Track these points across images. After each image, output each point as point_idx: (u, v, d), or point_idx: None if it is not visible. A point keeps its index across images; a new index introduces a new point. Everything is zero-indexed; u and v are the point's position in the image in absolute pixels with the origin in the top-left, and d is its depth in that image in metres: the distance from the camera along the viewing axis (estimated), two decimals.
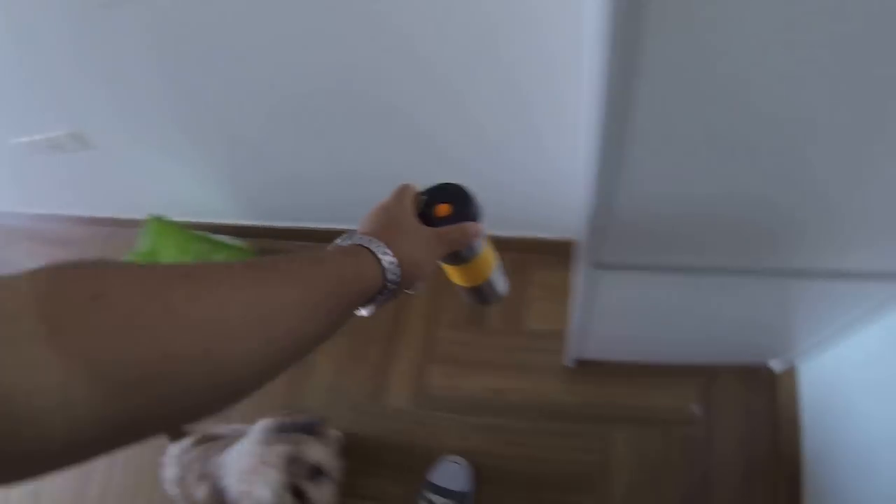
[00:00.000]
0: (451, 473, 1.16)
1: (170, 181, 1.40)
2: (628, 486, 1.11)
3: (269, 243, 1.53)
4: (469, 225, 0.45)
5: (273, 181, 1.32)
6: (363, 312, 0.41)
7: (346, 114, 1.05)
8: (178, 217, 1.42)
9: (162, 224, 1.38)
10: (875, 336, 0.84)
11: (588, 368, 1.18)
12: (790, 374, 1.12)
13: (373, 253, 0.39)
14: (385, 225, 0.42)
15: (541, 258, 1.32)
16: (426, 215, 0.46)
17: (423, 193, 0.48)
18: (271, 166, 1.27)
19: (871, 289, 0.72)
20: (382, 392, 1.28)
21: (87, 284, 0.23)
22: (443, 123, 1.02)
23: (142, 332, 0.23)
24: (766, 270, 0.70)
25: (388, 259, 0.39)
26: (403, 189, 0.46)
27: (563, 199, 0.98)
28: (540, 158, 1.07)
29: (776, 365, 1.15)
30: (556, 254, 1.30)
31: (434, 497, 1.13)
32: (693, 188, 0.55)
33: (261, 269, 0.31)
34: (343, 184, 1.24)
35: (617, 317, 0.91)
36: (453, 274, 0.52)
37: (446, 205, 0.46)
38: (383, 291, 0.39)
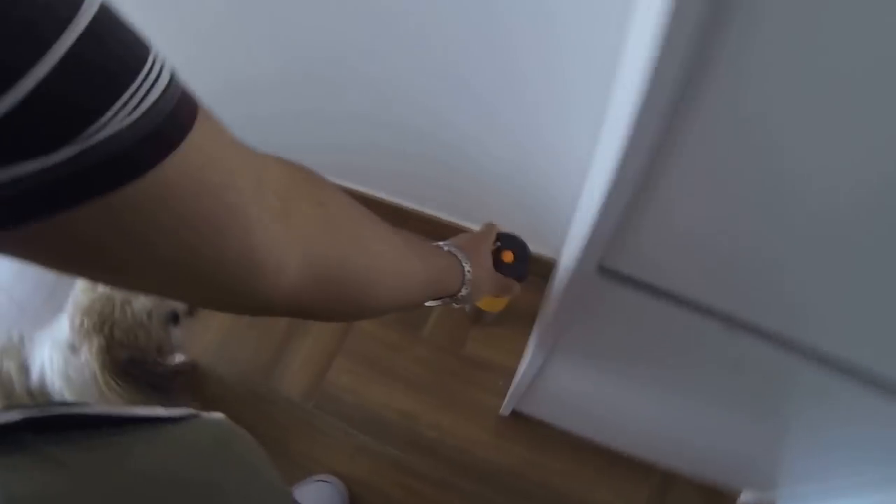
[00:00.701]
0: (322, 498, 0.92)
1: None
2: None
3: None
4: (517, 287, 0.62)
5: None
6: (430, 303, 0.50)
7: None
8: None
9: None
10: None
11: (526, 426, 0.91)
12: None
13: (462, 265, 0.50)
14: (473, 249, 0.54)
15: None
16: (496, 251, 0.61)
17: (499, 236, 0.63)
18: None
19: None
20: (275, 370, 1.02)
21: (315, 192, 0.31)
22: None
23: (342, 244, 0.32)
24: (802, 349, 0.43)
25: (469, 274, 0.50)
26: (490, 227, 0.62)
27: (555, 213, 0.84)
28: (537, 155, 0.79)
29: (748, 497, 0.86)
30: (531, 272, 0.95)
31: None
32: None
33: (406, 238, 0.41)
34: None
35: (586, 359, 0.67)
36: None
37: (511, 254, 0.62)
38: (454, 295, 0.50)
